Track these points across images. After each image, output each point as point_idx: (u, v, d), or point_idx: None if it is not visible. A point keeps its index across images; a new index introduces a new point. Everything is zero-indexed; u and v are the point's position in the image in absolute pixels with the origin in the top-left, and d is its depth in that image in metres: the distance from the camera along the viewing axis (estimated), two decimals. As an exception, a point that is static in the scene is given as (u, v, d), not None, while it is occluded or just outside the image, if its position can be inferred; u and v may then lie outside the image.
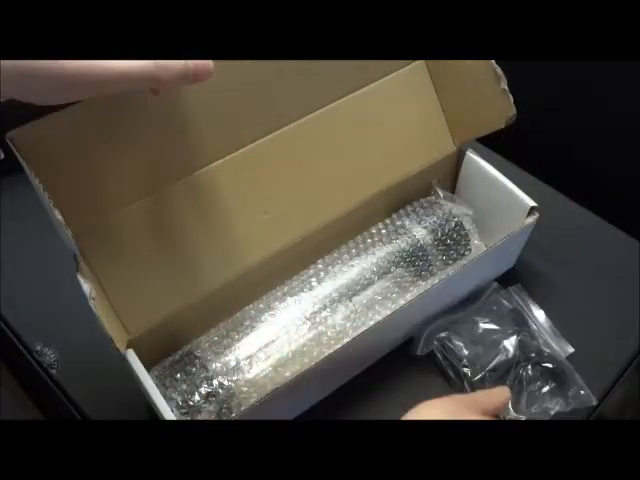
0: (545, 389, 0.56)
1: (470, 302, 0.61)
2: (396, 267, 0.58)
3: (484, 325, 0.59)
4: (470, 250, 0.62)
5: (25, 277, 0.65)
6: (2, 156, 0.64)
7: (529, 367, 0.56)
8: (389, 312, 0.52)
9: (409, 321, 0.58)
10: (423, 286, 0.59)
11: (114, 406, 0.55)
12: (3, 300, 0.63)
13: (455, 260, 0.61)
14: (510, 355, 0.57)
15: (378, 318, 0.54)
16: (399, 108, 0.59)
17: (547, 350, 0.58)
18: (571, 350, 0.59)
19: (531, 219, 0.57)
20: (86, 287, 0.41)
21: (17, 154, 0.40)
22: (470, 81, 0.56)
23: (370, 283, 0.57)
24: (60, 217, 0.39)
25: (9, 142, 0.40)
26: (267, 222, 0.53)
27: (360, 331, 0.51)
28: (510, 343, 0.57)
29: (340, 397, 0.56)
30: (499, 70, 0.53)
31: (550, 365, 0.57)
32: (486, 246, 0.62)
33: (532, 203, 0.57)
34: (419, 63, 0.59)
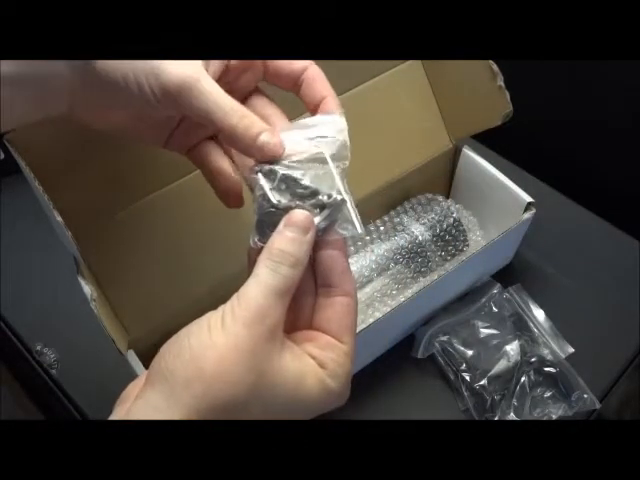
0: (548, 394, 0.56)
1: (471, 301, 0.61)
2: (395, 264, 0.58)
3: (485, 330, 0.59)
4: (468, 245, 0.62)
5: (25, 277, 0.65)
6: (2, 156, 0.64)
7: (531, 372, 0.56)
8: (388, 309, 0.52)
9: (409, 318, 0.58)
10: (422, 282, 0.59)
11: (114, 406, 0.55)
12: (3, 300, 0.63)
13: (454, 256, 0.61)
14: (512, 361, 0.57)
15: (378, 315, 0.54)
16: (395, 105, 0.58)
17: (549, 354, 0.58)
18: (571, 350, 0.59)
19: (528, 214, 0.57)
20: (87, 289, 0.41)
21: (16, 156, 0.40)
22: (466, 78, 0.56)
23: (369, 280, 0.57)
24: (60, 219, 0.39)
25: (7, 144, 0.40)
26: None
27: (360, 329, 0.51)
28: (512, 348, 0.57)
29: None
30: (495, 67, 0.53)
31: (552, 370, 0.57)
32: (484, 241, 0.62)
33: (529, 199, 0.57)
34: (415, 60, 0.59)
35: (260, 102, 0.37)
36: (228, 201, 0.38)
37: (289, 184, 0.32)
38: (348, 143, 0.33)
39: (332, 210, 0.32)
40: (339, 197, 0.32)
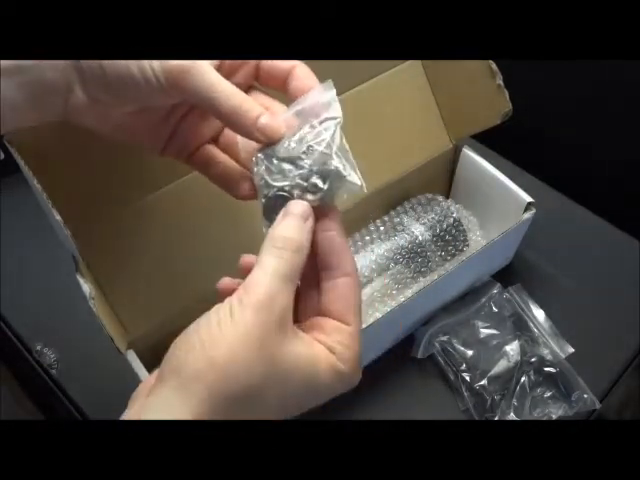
0: (548, 394, 0.56)
1: (471, 301, 0.61)
2: (395, 264, 0.58)
3: (485, 330, 0.59)
4: (468, 245, 0.62)
5: (25, 277, 0.65)
6: (2, 156, 0.64)
7: (531, 372, 0.56)
8: (389, 309, 0.52)
9: (409, 318, 0.58)
10: (422, 282, 0.59)
11: (114, 406, 0.55)
12: (3, 300, 0.63)
13: (454, 256, 0.61)
14: (512, 361, 0.57)
15: (378, 315, 0.53)
16: (395, 105, 0.58)
17: (549, 355, 0.58)
18: (571, 350, 0.59)
19: (528, 214, 0.57)
20: (86, 288, 0.41)
21: (16, 156, 0.40)
22: (465, 77, 0.56)
23: (369, 280, 0.57)
24: (59, 218, 0.39)
25: (7, 144, 0.40)
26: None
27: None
28: (512, 348, 0.57)
29: (340, 397, 0.56)
30: (494, 66, 0.53)
31: (552, 370, 0.56)
32: (484, 241, 0.62)
33: (528, 199, 0.57)
34: (415, 60, 0.59)
35: (258, 95, 0.37)
36: (240, 194, 0.38)
37: (289, 165, 0.33)
38: (337, 103, 0.34)
39: (332, 182, 0.32)
40: (334, 167, 0.32)
